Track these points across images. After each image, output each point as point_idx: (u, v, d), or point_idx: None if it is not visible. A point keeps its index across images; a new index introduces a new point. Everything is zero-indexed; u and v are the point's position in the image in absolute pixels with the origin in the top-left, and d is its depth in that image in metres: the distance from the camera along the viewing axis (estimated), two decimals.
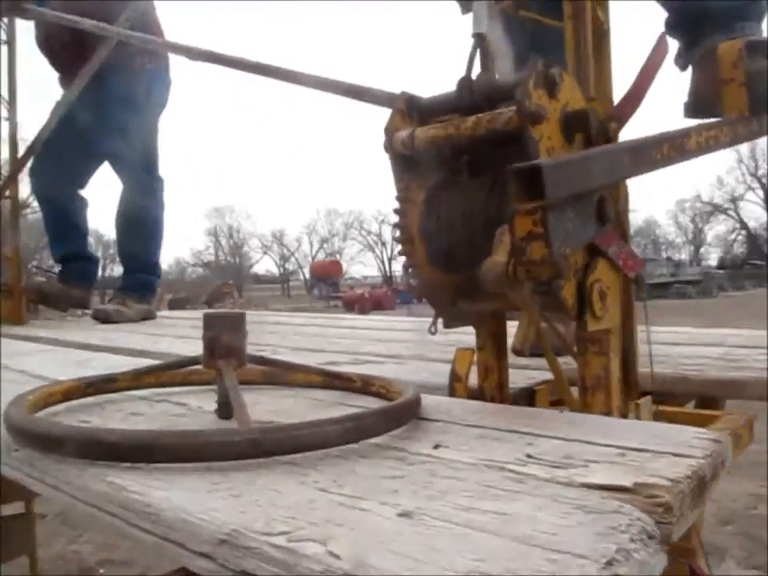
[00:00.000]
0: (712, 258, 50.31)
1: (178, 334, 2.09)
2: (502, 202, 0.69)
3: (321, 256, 54.88)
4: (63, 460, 0.60)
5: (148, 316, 2.55)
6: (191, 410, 0.87)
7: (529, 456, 0.63)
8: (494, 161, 0.73)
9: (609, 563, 0.39)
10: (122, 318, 2.39)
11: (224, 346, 0.78)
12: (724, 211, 46.95)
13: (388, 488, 0.53)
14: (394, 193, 0.78)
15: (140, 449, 0.57)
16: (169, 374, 0.89)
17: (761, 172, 44.87)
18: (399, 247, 0.77)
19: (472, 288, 0.80)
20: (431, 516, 0.46)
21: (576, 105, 0.75)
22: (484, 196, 0.71)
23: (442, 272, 0.78)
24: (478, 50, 0.75)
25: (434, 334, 0.88)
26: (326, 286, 36.57)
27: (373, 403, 0.88)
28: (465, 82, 0.74)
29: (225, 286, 23.96)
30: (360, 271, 58.43)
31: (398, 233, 0.76)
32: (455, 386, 0.99)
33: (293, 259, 56.85)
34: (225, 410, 0.80)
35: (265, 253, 56.77)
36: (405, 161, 0.77)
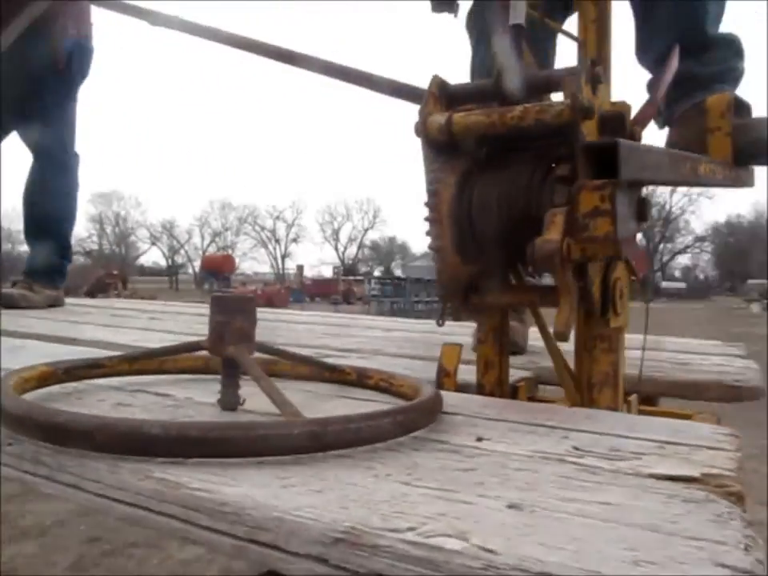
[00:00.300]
0: None
1: (99, 322, 1.93)
2: (540, 192, 0.69)
3: (212, 250, 53.26)
4: (85, 454, 0.52)
5: (56, 303, 2.33)
6: (179, 400, 0.79)
7: (576, 448, 0.62)
8: (534, 151, 0.73)
9: (746, 548, 0.39)
10: (29, 303, 2.18)
11: (236, 331, 0.72)
12: None
13: (470, 480, 0.50)
14: (423, 175, 0.75)
15: (188, 442, 0.50)
16: (160, 360, 0.81)
17: None
18: (427, 227, 0.74)
19: (492, 279, 0.80)
20: (540, 507, 0.45)
21: (606, 106, 0.76)
22: (523, 184, 0.70)
23: (462, 260, 0.76)
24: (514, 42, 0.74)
25: (441, 325, 0.87)
26: (218, 280, 35.48)
27: (372, 396, 0.85)
28: (500, 77, 0.73)
29: (108, 276, 22.57)
30: (252, 267, 57.30)
31: (427, 212, 0.74)
32: (443, 381, 0.98)
33: (182, 252, 54.75)
34: (229, 400, 0.74)
35: (153, 243, 54.28)
36: (439, 144, 0.74)
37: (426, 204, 0.74)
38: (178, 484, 0.47)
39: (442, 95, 0.77)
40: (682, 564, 0.36)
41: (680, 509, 0.45)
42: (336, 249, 58.66)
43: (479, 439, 0.64)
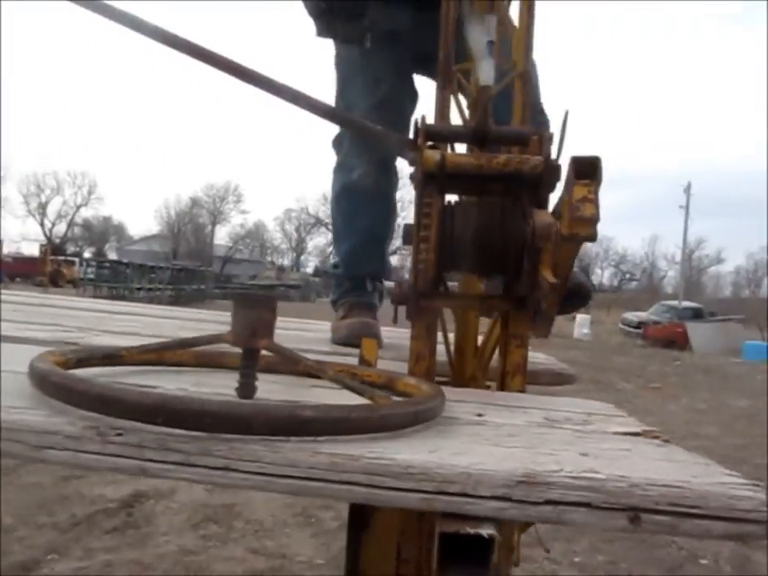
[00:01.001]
0: (310, 265, 56.37)
1: None
2: (511, 222, 0.89)
3: None
4: (228, 438, 0.57)
5: None
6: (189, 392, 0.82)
7: (547, 419, 0.84)
8: (504, 191, 0.93)
9: (706, 462, 0.65)
10: None
11: (266, 326, 0.78)
12: (325, 225, 53.11)
13: (536, 441, 0.69)
14: (415, 200, 0.90)
15: (338, 422, 0.59)
16: (181, 352, 0.82)
17: None
18: (420, 251, 0.89)
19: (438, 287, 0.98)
20: (600, 456, 0.65)
21: None
22: (497, 216, 0.90)
23: (440, 271, 0.94)
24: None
25: (396, 323, 1.02)
26: None
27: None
28: (482, 126, 0.92)
29: None
30: None
31: (423, 232, 0.89)
32: None
33: None
34: (248, 390, 0.79)
35: None
36: (431, 176, 0.90)
37: (419, 224, 0.89)
38: (355, 456, 0.56)
39: (428, 133, 0.92)
40: (693, 477, 0.59)
41: (676, 455, 0.69)
42: (42, 225, 51.93)
43: (479, 415, 0.82)
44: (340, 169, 1.70)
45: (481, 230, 0.90)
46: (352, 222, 1.68)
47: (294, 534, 3.17)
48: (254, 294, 0.80)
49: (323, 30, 1.66)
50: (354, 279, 1.70)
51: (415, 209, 0.90)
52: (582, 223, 0.80)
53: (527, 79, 1.04)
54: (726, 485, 0.56)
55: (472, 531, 0.53)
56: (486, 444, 0.65)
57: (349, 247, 1.71)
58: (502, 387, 1.07)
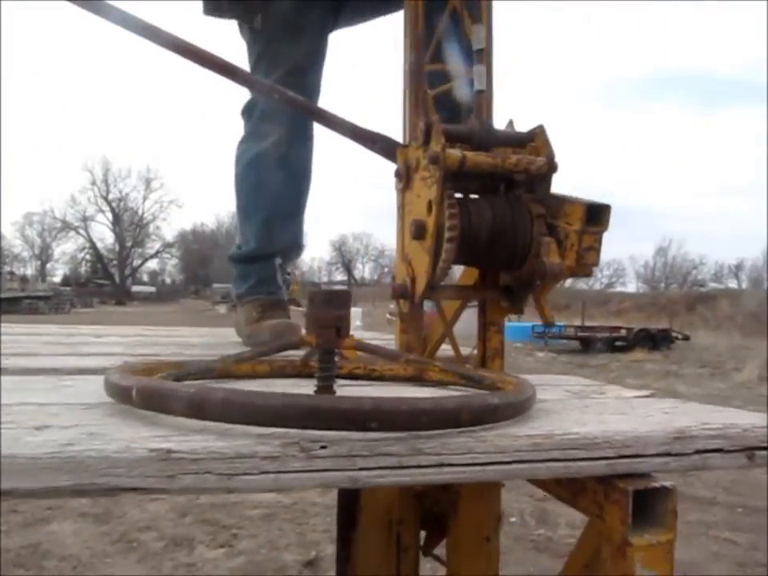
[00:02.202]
0: (58, 274, 50.55)
1: None
2: (520, 214, 0.98)
3: None
4: (435, 434, 0.57)
5: None
6: None
7: (567, 391, 0.95)
8: (511, 187, 1.01)
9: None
10: None
11: (347, 325, 0.77)
12: (75, 229, 48.04)
13: (604, 410, 0.78)
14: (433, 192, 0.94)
15: (509, 407, 0.62)
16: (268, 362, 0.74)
17: (111, 196, 48.10)
18: (446, 246, 0.93)
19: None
20: (681, 414, 0.77)
21: None
22: (509, 209, 0.98)
23: (460, 264, 0.99)
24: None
25: (403, 320, 1.05)
26: None
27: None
28: (486, 127, 0.99)
29: None
30: None
31: (450, 232, 0.93)
32: None
33: None
34: (328, 393, 0.77)
35: None
36: (451, 173, 0.94)
37: (450, 226, 0.93)
38: (547, 434, 0.60)
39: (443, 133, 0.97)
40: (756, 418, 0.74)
41: (667, 402, 0.84)
42: None
43: None
44: (250, 137, 1.59)
45: (495, 226, 0.97)
46: (263, 193, 1.57)
47: (118, 564, 2.92)
48: (330, 290, 0.77)
49: (210, 9, 1.58)
50: (264, 265, 1.60)
51: (435, 205, 0.94)
52: (584, 267, 0.92)
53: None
54: None
55: (659, 485, 0.60)
56: (598, 415, 0.73)
57: (260, 221, 1.59)
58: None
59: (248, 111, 1.61)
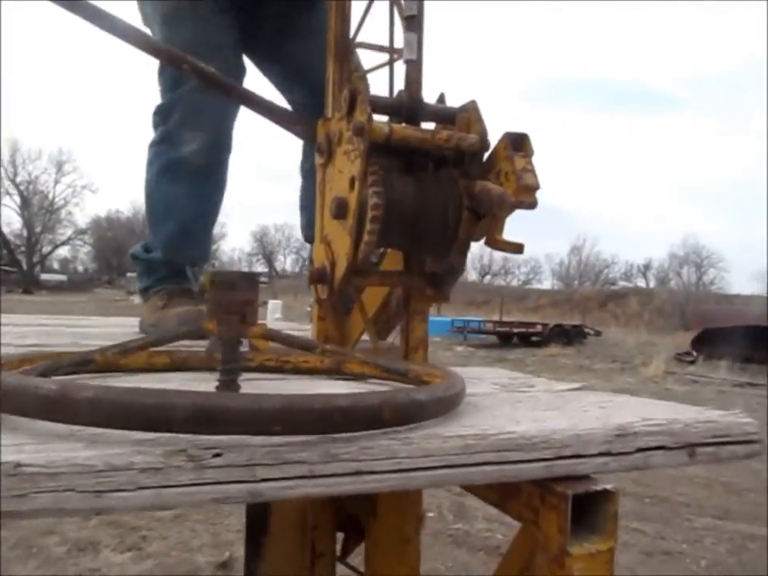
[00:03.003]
0: None
1: None
2: (450, 194, 0.91)
3: None
4: (354, 437, 0.49)
5: None
6: None
7: (495, 384, 0.89)
8: (441, 166, 0.94)
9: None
10: None
11: (254, 311, 0.67)
12: None
13: (536, 404, 0.72)
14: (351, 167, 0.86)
15: (436, 404, 0.55)
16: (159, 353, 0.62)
17: (19, 178, 45.17)
18: (370, 223, 0.85)
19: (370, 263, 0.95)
20: (619, 408, 0.72)
21: None
22: (438, 188, 0.91)
23: (381, 247, 0.91)
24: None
25: (321, 307, 0.95)
26: None
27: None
28: (415, 100, 0.92)
29: None
30: None
31: (374, 212, 0.85)
32: None
33: None
34: (230, 388, 0.67)
35: None
36: (376, 147, 0.86)
37: (368, 197, 0.85)
38: (480, 434, 0.53)
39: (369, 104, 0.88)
40: (704, 414, 0.70)
41: (600, 396, 0.80)
42: None
43: None
44: (164, 142, 1.46)
45: (423, 206, 0.89)
46: (176, 202, 1.46)
47: (17, 570, 2.70)
48: (232, 271, 0.67)
49: None
50: (174, 265, 1.50)
51: (358, 181, 0.86)
52: (527, 191, 0.86)
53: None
54: (729, 416, 0.68)
55: (600, 488, 0.54)
56: (531, 411, 0.67)
57: (171, 230, 1.47)
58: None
59: (164, 113, 1.47)
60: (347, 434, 0.48)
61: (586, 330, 15.97)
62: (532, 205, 0.87)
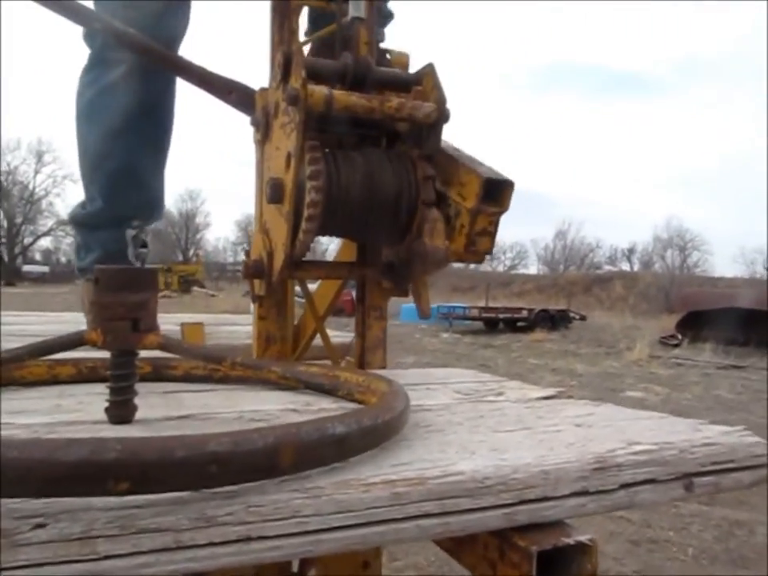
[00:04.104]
0: None
1: None
2: (404, 174, 0.79)
3: None
4: (238, 491, 0.36)
5: None
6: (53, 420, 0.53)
7: (458, 392, 0.77)
8: (394, 141, 0.81)
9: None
10: None
11: (152, 315, 0.54)
12: None
13: (500, 420, 0.60)
14: (289, 141, 0.73)
15: (365, 436, 0.42)
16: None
17: None
18: (309, 207, 0.72)
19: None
20: (603, 426, 0.60)
21: None
22: (389, 166, 0.78)
23: (322, 233, 0.78)
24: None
25: (257, 302, 0.82)
26: None
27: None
28: (363, 64, 0.78)
29: None
30: None
31: (313, 194, 0.72)
32: None
33: None
34: (124, 410, 0.54)
35: None
36: (315, 116, 0.73)
37: (305, 177, 0.72)
38: (412, 479, 0.41)
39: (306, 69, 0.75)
40: (704, 433, 0.59)
41: (578, 408, 0.68)
42: None
43: None
44: (93, 67, 1.24)
45: (372, 187, 0.77)
46: (112, 138, 1.23)
47: None
48: (122, 267, 0.54)
49: None
50: (113, 234, 1.27)
51: (294, 158, 0.73)
52: (474, 255, 0.75)
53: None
54: (731, 434, 0.56)
55: (573, 541, 0.42)
56: (492, 434, 0.55)
57: (108, 174, 1.24)
58: (361, 364, 0.95)
59: (91, 35, 1.24)
60: (231, 487, 0.36)
61: (572, 315, 15.96)
62: (478, 263, 0.77)
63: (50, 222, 48.65)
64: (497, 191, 0.74)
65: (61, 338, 0.54)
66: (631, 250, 44.79)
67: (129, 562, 0.33)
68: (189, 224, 47.92)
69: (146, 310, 0.53)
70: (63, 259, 57.14)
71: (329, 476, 0.39)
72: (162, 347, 0.53)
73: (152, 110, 1.26)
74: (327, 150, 0.76)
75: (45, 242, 52.82)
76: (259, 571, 0.90)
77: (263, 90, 0.87)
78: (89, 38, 1.25)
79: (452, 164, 0.79)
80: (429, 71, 0.81)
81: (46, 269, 48.78)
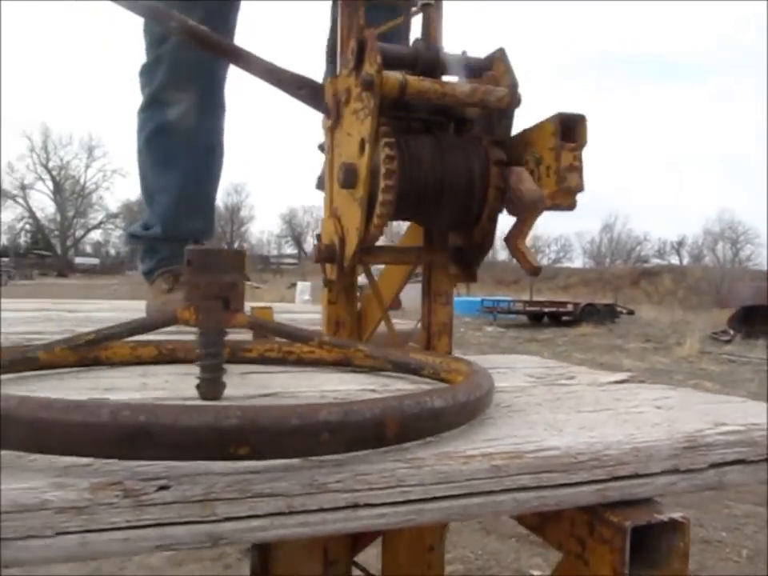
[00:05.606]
0: None
1: None
2: (476, 159, 0.79)
3: None
4: (345, 460, 0.38)
5: None
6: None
7: (530, 376, 0.77)
8: (463, 126, 0.81)
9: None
10: None
11: (241, 295, 0.56)
12: (13, 198, 45.66)
13: (577, 403, 0.60)
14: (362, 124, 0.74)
15: (461, 410, 0.43)
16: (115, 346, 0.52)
17: (51, 164, 45.87)
18: (384, 193, 0.73)
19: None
20: (682, 408, 0.60)
21: None
22: (461, 152, 0.78)
23: (396, 217, 0.80)
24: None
25: (327, 287, 0.84)
26: None
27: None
28: (434, 50, 0.79)
29: None
30: None
31: (388, 180, 0.73)
32: None
33: None
34: (213, 388, 0.56)
35: None
36: (388, 101, 0.74)
37: (380, 162, 0.73)
38: (515, 451, 0.41)
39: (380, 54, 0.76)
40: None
41: (654, 391, 0.68)
42: None
43: None
44: (151, 105, 1.35)
45: (445, 173, 0.77)
46: (169, 170, 1.35)
47: None
48: (213, 248, 0.56)
49: None
50: (175, 242, 1.38)
51: (369, 144, 0.74)
52: (567, 194, 0.73)
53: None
54: None
55: (666, 518, 0.42)
56: (575, 414, 0.55)
57: (168, 202, 1.37)
58: (427, 350, 0.96)
59: (148, 73, 1.35)
60: (338, 455, 0.37)
61: (619, 309, 15.64)
62: (570, 207, 0.75)
63: (100, 216, 50.10)
64: (573, 128, 0.73)
65: (156, 317, 0.56)
66: (680, 243, 43.60)
67: (245, 524, 0.34)
68: (234, 217, 48.66)
69: (235, 291, 0.55)
70: (112, 251, 58.82)
71: (428, 448, 0.40)
72: (252, 326, 0.55)
73: (204, 145, 1.39)
74: (399, 134, 0.77)
75: (95, 235, 54.41)
76: (329, 548, 0.92)
77: (333, 78, 0.88)
78: (145, 76, 1.36)
79: (516, 138, 0.79)
80: (499, 56, 0.81)
81: (96, 261, 50.31)
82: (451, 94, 0.76)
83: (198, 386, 0.56)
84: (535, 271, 0.76)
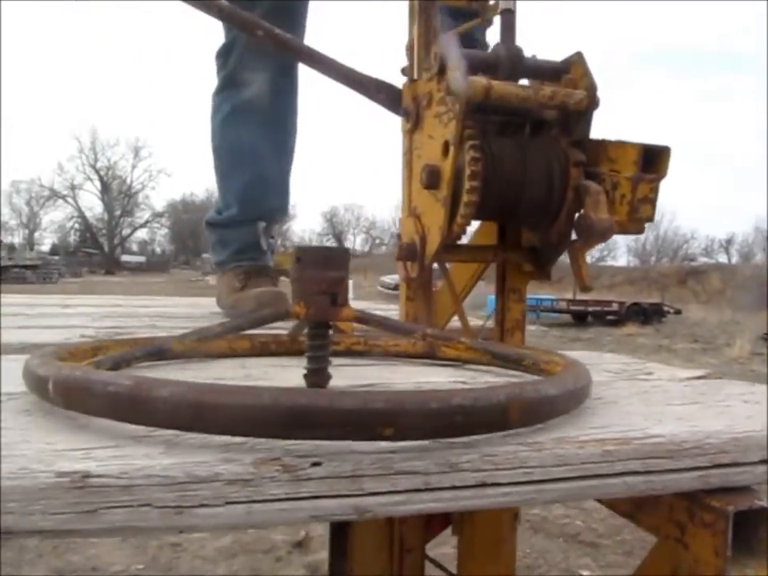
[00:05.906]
0: (46, 243, 49.84)
1: None
2: (555, 160, 0.81)
3: None
4: (471, 442, 0.41)
5: None
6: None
7: (610, 371, 0.79)
8: (540, 128, 0.84)
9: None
10: None
11: (344, 292, 0.60)
12: (63, 197, 47.24)
13: (662, 396, 0.63)
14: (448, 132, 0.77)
15: (569, 398, 0.46)
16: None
17: (99, 164, 47.25)
18: (469, 193, 0.76)
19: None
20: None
21: None
22: (541, 153, 0.81)
23: (477, 217, 0.83)
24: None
25: (408, 284, 0.88)
26: None
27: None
28: (514, 54, 0.82)
29: None
30: None
31: (472, 181, 0.76)
32: None
33: None
34: (320, 377, 0.60)
35: None
36: (473, 105, 0.77)
37: (471, 173, 0.76)
38: (620, 438, 0.44)
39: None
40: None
41: (738, 386, 0.69)
42: None
43: None
44: (227, 86, 1.38)
45: (526, 174, 0.80)
46: (244, 153, 1.38)
47: (102, 542, 2.78)
48: (322, 246, 0.60)
49: None
50: (248, 227, 1.42)
51: (454, 146, 0.77)
52: (637, 222, 0.76)
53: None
54: None
55: (766, 504, 0.45)
56: (668, 406, 0.57)
57: (242, 184, 1.39)
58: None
59: (224, 55, 1.39)
60: (465, 438, 0.40)
61: (665, 309, 15.30)
62: (638, 233, 0.78)
63: (146, 215, 51.35)
64: (655, 158, 0.75)
65: (270, 311, 0.60)
66: (729, 241, 42.34)
67: (388, 499, 0.38)
68: None
69: (341, 286, 0.59)
70: (158, 250, 60.21)
71: (543, 433, 0.43)
72: (359, 319, 0.59)
73: (279, 123, 1.41)
74: (482, 138, 0.80)
75: (141, 234, 55.77)
76: (405, 536, 0.96)
77: (412, 82, 0.92)
78: (222, 58, 1.40)
79: (595, 144, 0.81)
80: (577, 59, 0.83)
81: (142, 259, 51.56)
82: (533, 97, 0.79)
83: (305, 376, 0.60)
84: (587, 289, 0.79)
